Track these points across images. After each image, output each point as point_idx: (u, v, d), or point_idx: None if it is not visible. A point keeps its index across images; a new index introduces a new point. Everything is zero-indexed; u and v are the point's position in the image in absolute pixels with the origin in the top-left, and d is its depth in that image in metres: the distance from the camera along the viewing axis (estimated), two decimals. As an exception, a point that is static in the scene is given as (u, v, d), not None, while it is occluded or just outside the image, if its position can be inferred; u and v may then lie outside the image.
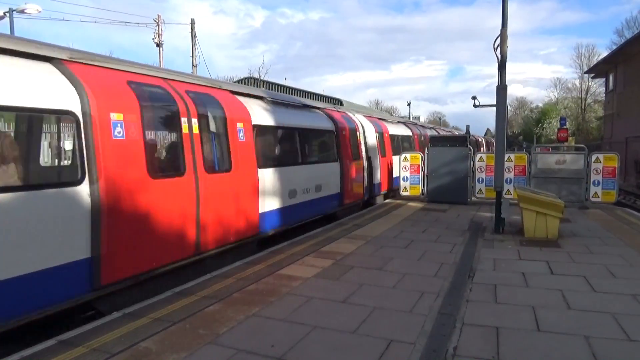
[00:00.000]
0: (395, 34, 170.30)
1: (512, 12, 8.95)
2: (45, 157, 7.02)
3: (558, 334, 4.33)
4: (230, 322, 4.62)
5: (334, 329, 4.46)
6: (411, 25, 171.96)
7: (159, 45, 25.86)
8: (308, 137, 10.53)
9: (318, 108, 12.08)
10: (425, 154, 14.09)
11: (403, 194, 14.58)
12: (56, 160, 7.04)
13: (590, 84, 58.36)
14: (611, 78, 31.25)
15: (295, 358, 3.88)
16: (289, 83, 40.87)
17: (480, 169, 13.51)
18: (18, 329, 4.48)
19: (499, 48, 8.96)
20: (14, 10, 18.17)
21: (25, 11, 18.28)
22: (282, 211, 8.83)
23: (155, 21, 25.83)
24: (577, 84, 62.84)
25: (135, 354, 3.94)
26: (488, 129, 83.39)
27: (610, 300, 5.22)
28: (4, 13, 18.33)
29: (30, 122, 5.49)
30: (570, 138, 38.84)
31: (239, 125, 7.70)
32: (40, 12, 18.63)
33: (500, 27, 8.91)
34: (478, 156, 13.71)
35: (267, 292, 5.52)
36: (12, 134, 5.45)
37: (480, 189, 13.57)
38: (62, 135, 5.85)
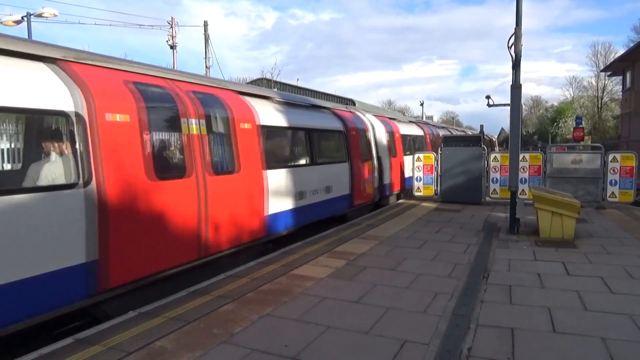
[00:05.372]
0: (406, 34, 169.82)
1: (525, 10, 8.88)
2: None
3: (574, 335, 4.28)
4: (244, 321, 4.65)
5: (347, 329, 4.47)
6: (422, 25, 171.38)
7: (172, 47, 26.08)
8: (316, 137, 10.32)
9: (327, 108, 11.90)
10: (439, 154, 14.02)
11: (416, 194, 14.51)
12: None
13: (606, 82, 57.44)
14: (628, 76, 30.72)
15: (309, 358, 3.89)
16: (301, 84, 41.03)
17: (495, 168, 13.40)
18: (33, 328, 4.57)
19: (513, 47, 8.89)
20: (31, 15, 18.49)
21: (42, 15, 18.60)
22: (290, 213, 8.71)
23: (168, 23, 26.06)
24: (593, 82, 61.93)
25: (151, 352, 3.99)
26: (502, 129, 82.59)
27: (627, 301, 5.15)
28: (22, 17, 18.66)
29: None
30: (586, 137, 38.27)
31: (245, 126, 7.59)
32: (56, 15, 18.95)
33: (514, 26, 8.84)
34: (492, 156, 13.60)
35: (280, 292, 5.54)
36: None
37: (494, 189, 13.45)
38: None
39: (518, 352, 3.94)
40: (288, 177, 8.67)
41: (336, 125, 11.38)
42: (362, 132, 12.67)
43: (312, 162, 9.83)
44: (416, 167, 14.45)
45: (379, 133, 14.00)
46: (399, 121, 17.92)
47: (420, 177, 14.45)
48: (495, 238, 8.64)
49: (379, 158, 13.63)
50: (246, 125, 7.62)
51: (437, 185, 14.18)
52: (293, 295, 5.43)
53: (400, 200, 14.79)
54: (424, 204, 13.54)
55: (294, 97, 10.89)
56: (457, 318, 4.71)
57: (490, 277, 6.17)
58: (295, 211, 8.90)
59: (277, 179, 8.26)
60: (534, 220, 9.26)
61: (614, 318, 4.67)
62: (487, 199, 13.54)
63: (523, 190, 12.37)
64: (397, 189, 15.45)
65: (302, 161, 9.64)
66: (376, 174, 13.36)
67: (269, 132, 8.40)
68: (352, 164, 11.52)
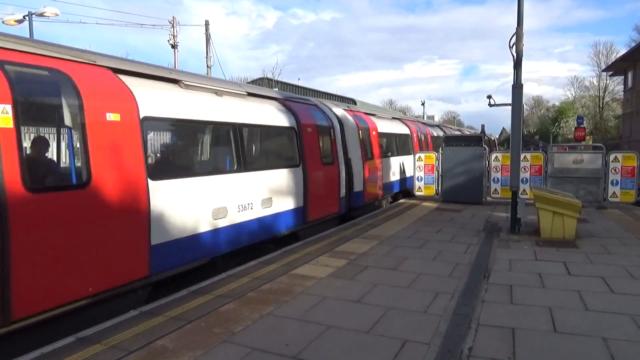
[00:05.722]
0: (407, 34, 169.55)
1: (526, 10, 8.85)
2: None
3: (575, 335, 4.28)
4: (245, 320, 4.65)
5: (348, 328, 4.47)
6: (423, 25, 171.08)
7: (174, 46, 26.10)
8: (250, 135, 8.21)
9: (272, 98, 9.45)
10: (440, 154, 14.03)
11: (417, 193, 14.56)
12: None
13: (608, 82, 57.39)
14: (630, 76, 30.71)
15: (310, 357, 3.89)
16: (302, 83, 41.05)
17: (496, 168, 13.42)
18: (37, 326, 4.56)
19: (514, 46, 8.89)
20: (33, 14, 18.52)
21: (44, 14, 18.63)
22: (199, 239, 6.46)
23: (170, 23, 26.07)
24: (595, 82, 61.81)
25: (152, 351, 4.00)
26: (504, 128, 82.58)
27: (628, 301, 5.14)
28: (23, 16, 18.70)
29: None
30: (587, 137, 38.26)
31: (109, 117, 5.24)
32: (57, 15, 19.00)
33: (516, 25, 8.84)
34: (493, 156, 13.63)
35: (281, 292, 5.55)
36: None
37: (495, 189, 13.48)
38: None
39: (519, 351, 3.94)
40: (196, 189, 6.45)
41: (284, 120, 9.12)
42: (322, 129, 10.45)
43: (242, 168, 7.54)
44: (417, 167, 14.48)
45: (348, 131, 11.74)
46: (379, 117, 15.62)
47: (421, 177, 14.49)
48: (496, 238, 8.63)
49: (347, 161, 11.39)
50: (112, 117, 5.28)
51: (438, 185, 14.21)
52: (294, 295, 5.43)
53: (401, 200, 14.78)
54: (425, 203, 13.55)
55: (222, 83, 8.22)
56: (458, 318, 4.71)
57: (491, 277, 6.17)
58: (209, 235, 6.68)
59: (175, 192, 6.03)
60: (535, 220, 9.26)
61: (615, 318, 4.67)
62: (488, 198, 13.55)
63: (524, 190, 12.37)
64: (373, 197, 13.27)
65: (225, 167, 7.53)
66: (343, 181, 11.06)
67: (165, 127, 6.52)
68: (306, 170, 9.31)
